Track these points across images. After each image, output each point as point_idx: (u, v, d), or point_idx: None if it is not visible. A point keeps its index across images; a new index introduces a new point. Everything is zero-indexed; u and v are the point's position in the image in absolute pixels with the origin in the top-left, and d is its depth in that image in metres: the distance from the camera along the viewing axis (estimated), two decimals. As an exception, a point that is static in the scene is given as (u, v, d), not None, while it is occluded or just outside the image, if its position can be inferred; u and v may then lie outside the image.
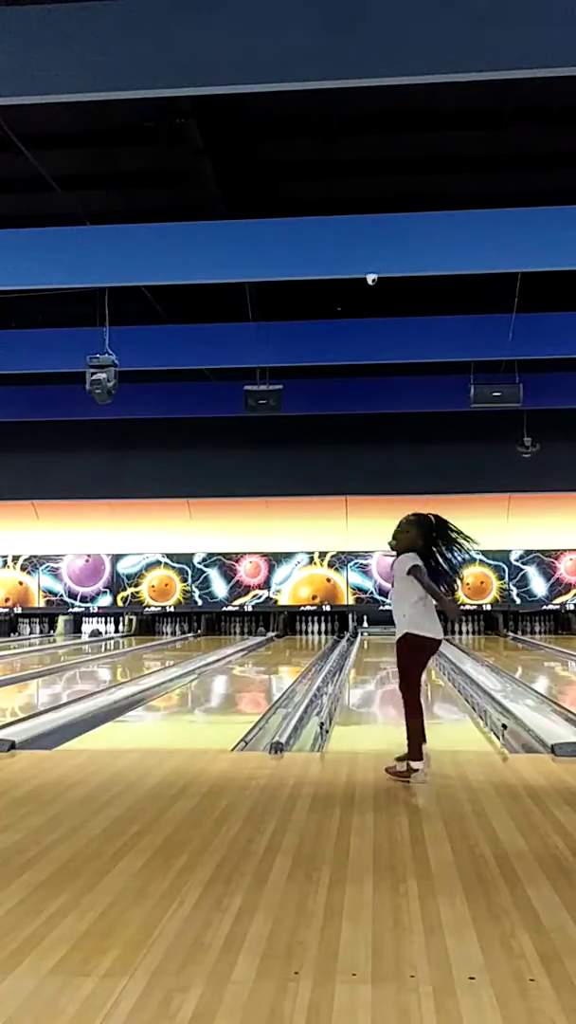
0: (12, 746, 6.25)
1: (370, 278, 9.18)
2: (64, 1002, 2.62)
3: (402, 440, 16.58)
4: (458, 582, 5.81)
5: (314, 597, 19.37)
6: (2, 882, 3.60)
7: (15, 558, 19.90)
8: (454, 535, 5.73)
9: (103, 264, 9.04)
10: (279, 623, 19.41)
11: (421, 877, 3.62)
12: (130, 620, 19.89)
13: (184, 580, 19.54)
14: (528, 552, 19.05)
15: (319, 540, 19.31)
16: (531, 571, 19.04)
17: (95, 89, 6.02)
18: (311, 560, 19.39)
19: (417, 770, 5.25)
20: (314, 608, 19.38)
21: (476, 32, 5.67)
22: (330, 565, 19.36)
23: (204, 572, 19.53)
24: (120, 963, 2.86)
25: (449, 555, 5.66)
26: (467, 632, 19.31)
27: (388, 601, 6.02)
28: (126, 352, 10.56)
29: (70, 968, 2.84)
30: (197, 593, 19.50)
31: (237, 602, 19.44)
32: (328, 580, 19.38)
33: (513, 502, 18.52)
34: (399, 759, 5.32)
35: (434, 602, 5.60)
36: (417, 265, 9.02)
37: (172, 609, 19.63)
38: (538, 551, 19.05)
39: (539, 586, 19.03)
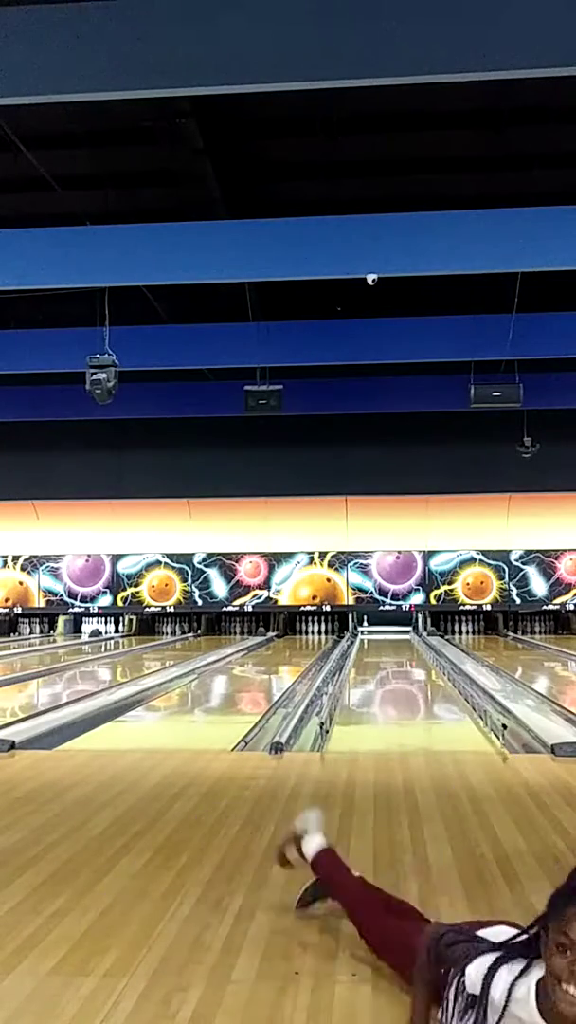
0: (12, 746, 6.25)
1: (370, 278, 9.18)
2: (64, 1002, 2.62)
3: (402, 440, 16.58)
4: None
5: (314, 597, 19.37)
6: (2, 882, 3.60)
7: (15, 558, 19.90)
8: None
9: (103, 264, 9.04)
10: (279, 623, 19.41)
11: (421, 877, 3.62)
12: (130, 620, 19.90)
13: (184, 580, 19.54)
14: (528, 552, 19.05)
15: (319, 540, 19.31)
16: (531, 571, 19.05)
17: (95, 89, 6.02)
18: (311, 560, 19.39)
19: None
20: (314, 608, 19.38)
21: (476, 32, 5.67)
22: (330, 565, 19.36)
23: (204, 572, 19.54)
24: (120, 963, 2.86)
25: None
26: (467, 632, 19.32)
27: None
28: (126, 352, 10.56)
29: (70, 968, 2.84)
30: (197, 593, 19.50)
31: (237, 602, 19.44)
32: (328, 580, 19.38)
33: (513, 502, 18.53)
34: None
35: None
36: (417, 265, 9.01)
37: (172, 609, 19.63)
38: (538, 551, 19.05)
39: (539, 586, 19.03)
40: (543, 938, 2.18)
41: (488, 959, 2.29)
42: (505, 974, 2.24)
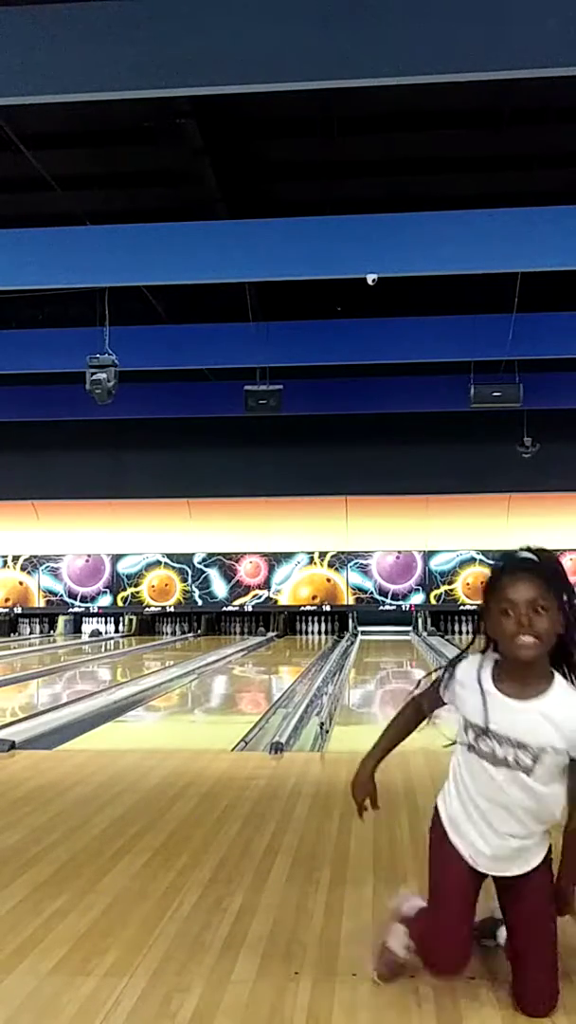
0: (12, 746, 6.25)
1: (370, 278, 9.18)
2: (64, 1002, 2.62)
3: (402, 440, 16.59)
4: None
5: (314, 597, 19.36)
6: (2, 882, 3.60)
7: (15, 558, 19.90)
8: None
9: (103, 264, 9.04)
10: (279, 623, 19.41)
11: (421, 877, 3.61)
12: (130, 620, 19.90)
13: (184, 580, 19.54)
14: (528, 552, 19.03)
15: (319, 540, 19.31)
16: (531, 571, 19.03)
17: (95, 89, 6.02)
18: (311, 560, 19.39)
19: None
20: (314, 608, 19.38)
21: (476, 32, 5.67)
22: (330, 565, 19.36)
23: (204, 572, 19.54)
24: (120, 963, 2.86)
25: None
26: (467, 632, 19.32)
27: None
28: (126, 352, 10.57)
29: (70, 968, 2.84)
30: (197, 593, 19.50)
31: (237, 602, 19.44)
32: (328, 580, 19.38)
33: (513, 502, 18.54)
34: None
35: None
36: (417, 265, 9.02)
37: (172, 609, 19.63)
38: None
39: (539, 586, 19.02)
40: (486, 624, 2.55)
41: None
42: (466, 665, 2.61)
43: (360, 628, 19.02)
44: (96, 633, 19.87)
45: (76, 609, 19.90)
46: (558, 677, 2.55)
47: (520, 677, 2.53)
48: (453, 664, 2.66)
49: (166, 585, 19.60)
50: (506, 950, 2.65)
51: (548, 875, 2.61)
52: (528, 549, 2.59)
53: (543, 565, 2.55)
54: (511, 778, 2.52)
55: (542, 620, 2.48)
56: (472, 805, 2.59)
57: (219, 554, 19.48)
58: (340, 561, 19.30)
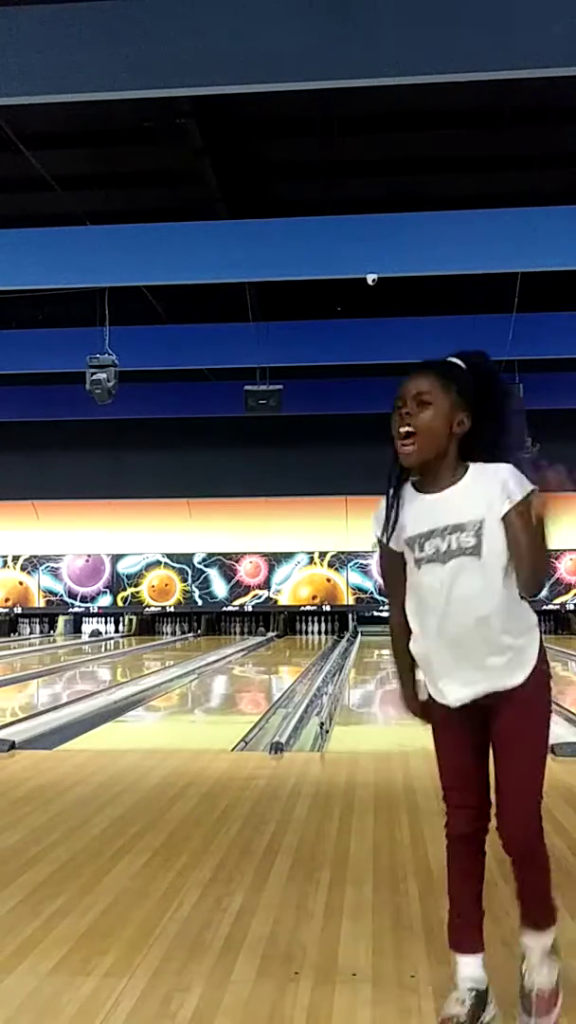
0: (12, 746, 6.25)
1: (370, 278, 9.19)
2: (64, 1002, 2.62)
3: (402, 440, 16.56)
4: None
5: (314, 597, 19.36)
6: (2, 882, 3.60)
7: (15, 558, 19.90)
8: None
9: (103, 264, 9.05)
10: (279, 623, 19.41)
11: (421, 877, 3.62)
12: (130, 620, 19.90)
13: (184, 580, 19.54)
14: (528, 552, 19.03)
15: (319, 540, 19.31)
16: (531, 571, 19.03)
17: (95, 89, 6.02)
18: (311, 560, 19.39)
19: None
20: (314, 608, 19.37)
21: (476, 32, 5.68)
22: (330, 565, 19.35)
23: (204, 572, 19.54)
24: (120, 963, 2.86)
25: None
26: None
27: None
28: (126, 352, 10.57)
29: (70, 968, 2.84)
30: (197, 593, 19.50)
31: (237, 602, 19.44)
32: (328, 580, 19.37)
33: (513, 502, 18.54)
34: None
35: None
36: (417, 265, 9.02)
37: (172, 609, 19.63)
38: (538, 551, 19.03)
39: (539, 586, 19.01)
40: None
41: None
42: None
43: (360, 628, 19.03)
44: (96, 633, 19.87)
45: (76, 609, 19.90)
46: (473, 464, 2.38)
47: (431, 476, 2.41)
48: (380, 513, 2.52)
49: (166, 585, 19.61)
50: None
51: (534, 694, 2.48)
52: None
53: (447, 363, 2.41)
54: (460, 568, 2.33)
55: (425, 413, 2.36)
56: (431, 626, 2.43)
57: (219, 554, 19.48)
58: (340, 561, 19.30)
